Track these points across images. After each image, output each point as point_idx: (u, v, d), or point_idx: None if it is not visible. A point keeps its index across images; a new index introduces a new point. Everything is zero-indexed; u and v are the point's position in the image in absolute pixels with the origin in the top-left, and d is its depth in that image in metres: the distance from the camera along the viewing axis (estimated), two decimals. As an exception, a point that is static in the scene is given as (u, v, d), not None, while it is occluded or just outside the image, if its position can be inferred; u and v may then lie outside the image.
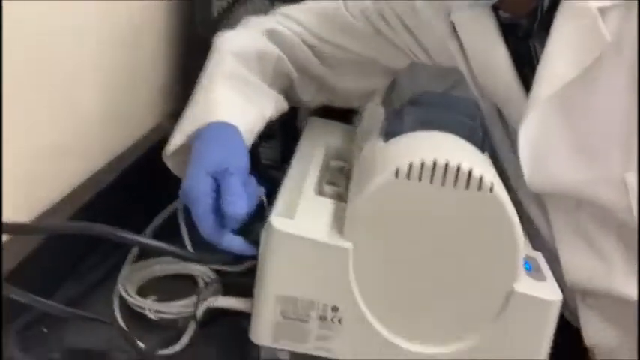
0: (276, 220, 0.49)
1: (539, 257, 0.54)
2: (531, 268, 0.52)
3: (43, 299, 0.47)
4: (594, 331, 0.59)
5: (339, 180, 0.64)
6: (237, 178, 0.52)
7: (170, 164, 0.62)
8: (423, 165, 0.46)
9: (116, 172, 0.74)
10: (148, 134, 0.87)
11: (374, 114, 0.67)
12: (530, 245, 0.56)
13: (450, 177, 0.46)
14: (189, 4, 0.91)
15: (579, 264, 0.57)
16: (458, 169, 0.46)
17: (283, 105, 0.71)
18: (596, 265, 0.56)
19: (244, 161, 0.56)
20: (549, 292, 0.49)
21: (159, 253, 0.66)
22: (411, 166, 0.46)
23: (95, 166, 0.74)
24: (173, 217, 0.75)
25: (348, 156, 0.69)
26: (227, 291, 0.62)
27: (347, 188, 0.61)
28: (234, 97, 0.62)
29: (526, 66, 0.57)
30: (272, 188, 0.74)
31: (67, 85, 0.66)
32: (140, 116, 0.86)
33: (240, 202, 0.50)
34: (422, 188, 0.46)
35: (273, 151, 0.91)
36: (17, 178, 0.57)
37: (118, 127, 0.79)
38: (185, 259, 0.63)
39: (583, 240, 0.56)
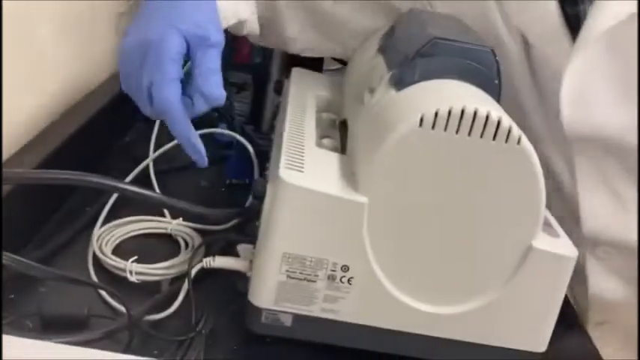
0: (286, 172, 0.45)
1: (548, 214, 0.53)
2: (544, 224, 0.50)
3: (20, 258, 0.41)
4: (600, 282, 0.59)
5: (332, 133, 0.60)
6: (218, 52, 0.43)
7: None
8: (450, 113, 0.43)
9: (82, 116, 0.67)
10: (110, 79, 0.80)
11: (367, 63, 0.62)
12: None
13: (478, 126, 0.43)
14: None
15: (600, 212, 0.56)
16: (487, 119, 0.43)
17: (254, 26, 0.64)
18: (617, 214, 0.56)
19: (222, 37, 0.46)
20: (566, 248, 0.48)
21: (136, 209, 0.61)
22: (436, 114, 0.43)
23: (58, 108, 0.66)
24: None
25: (338, 108, 0.65)
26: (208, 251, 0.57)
27: (341, 141, 0.57)
28: None
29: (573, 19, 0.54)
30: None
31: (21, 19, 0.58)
32: (102, 57, 0.78)
33: (220, 83, 0.42)
34: (447, 137, 0.43)
35: (244, 105, 0.86)
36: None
37: (79, 66, 0.71)
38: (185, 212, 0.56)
39: (607, 188, 0.56)
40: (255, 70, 0.85)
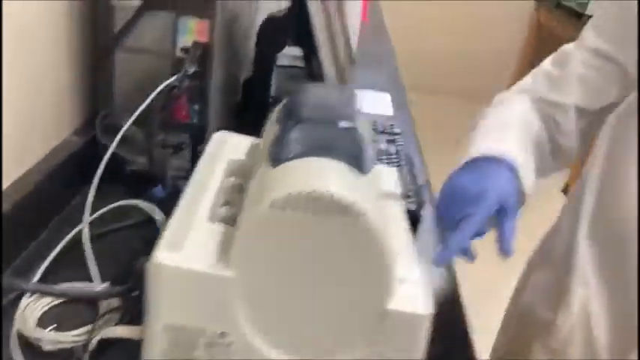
0: (160, 253, 0.50)
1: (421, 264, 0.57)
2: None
3: None
4: None
5: (235, 199, 0.65)
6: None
7: None
8: (298, 195, 0.48)
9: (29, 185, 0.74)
10: (55, 150, 0.86)
11: (270, 131, 0.68)
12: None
13: (323, 205, 0.48)
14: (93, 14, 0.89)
15: None
16: (332, 197, 0.48)
17: None
18: None
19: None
20: (420, 306, 0.52)
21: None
22: (286, 198, 0.48)
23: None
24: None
25: (248, 172, 0.71)
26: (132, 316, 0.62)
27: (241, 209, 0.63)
28: None
29: None
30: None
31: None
32: (44, 130, 0.85)
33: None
34: (298, 216, 0.48)
35: (183, 162, 0.91)
36: None
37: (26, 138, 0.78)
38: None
39: None
40: (193, 129, 0.91)
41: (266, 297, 0.51)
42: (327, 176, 0.52)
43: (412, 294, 0.53)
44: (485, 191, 0.63)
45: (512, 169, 0.67)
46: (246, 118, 0.95)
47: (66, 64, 0.87)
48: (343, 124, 0.56)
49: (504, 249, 0.61)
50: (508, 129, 0.73)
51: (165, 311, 0.51)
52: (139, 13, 0.86)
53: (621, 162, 0.71)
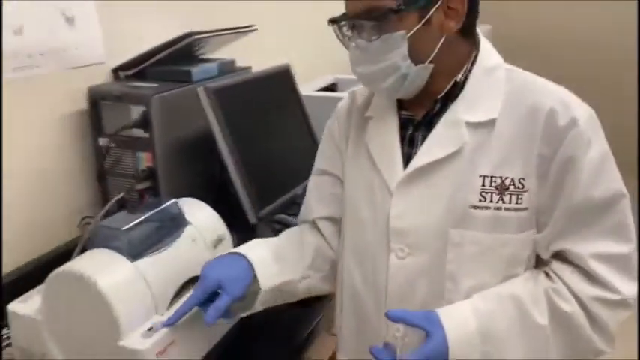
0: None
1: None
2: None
3: None
4: None
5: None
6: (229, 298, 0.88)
7: None
8: (67, 273, 0.83)
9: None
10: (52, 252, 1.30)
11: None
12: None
13: (75, 278, 0.82)
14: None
15: None
16: (79, 274, 0.82)
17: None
18: None
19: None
20: (144, 344, 0.82)
21: None
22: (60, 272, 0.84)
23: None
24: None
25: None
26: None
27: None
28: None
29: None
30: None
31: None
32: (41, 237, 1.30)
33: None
34: (68, 287, 0.83)
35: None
36: None
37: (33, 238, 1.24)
38: None
39: None
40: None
41: (61, 332, 0.86)
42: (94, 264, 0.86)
43: (145, 338, 0.83)
44: (206, 274, 0.89)
45: (248, 263, 0.92)
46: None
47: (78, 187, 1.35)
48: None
49: (206, 318, 0.85)
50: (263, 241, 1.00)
51: (16, 339, 0.89)
52: (115, 152, 1.31)
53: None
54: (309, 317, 1.13)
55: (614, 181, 0.82)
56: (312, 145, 1.52)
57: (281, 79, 1.55)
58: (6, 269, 1.15)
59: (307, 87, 1.86)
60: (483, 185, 0.82)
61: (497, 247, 0.82)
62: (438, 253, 0.84)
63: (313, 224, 1.03)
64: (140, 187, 1.27)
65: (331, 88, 1.96)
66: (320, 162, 1.03)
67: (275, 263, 0.95)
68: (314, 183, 1.04)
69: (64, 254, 1.01)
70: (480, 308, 0.81)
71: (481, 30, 0.90)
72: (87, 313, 0.83)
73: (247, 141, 1.31)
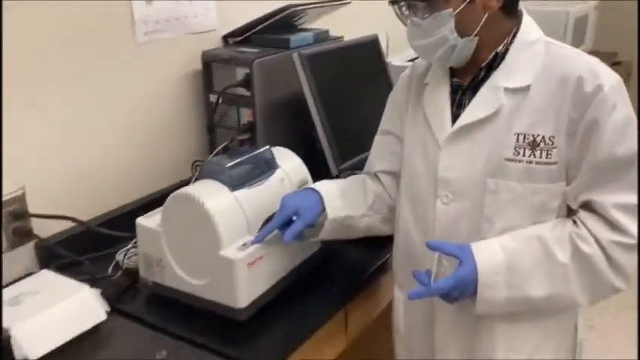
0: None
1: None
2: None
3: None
4: None
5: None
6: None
7: None
8: (183, 195, 1.05)
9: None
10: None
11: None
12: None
13: (189, 200, 1.04)
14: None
15: None
16: (192, 197, 1.04)
17: None
18: None
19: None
20: (238, 255, 1.02)
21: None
22: (176, 195, 1.06)
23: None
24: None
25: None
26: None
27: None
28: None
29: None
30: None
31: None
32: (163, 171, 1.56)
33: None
34: (183, 206, 1.06)
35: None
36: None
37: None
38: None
39: None
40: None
41: (174, 242, 1.09)
42: (201, 188, 1.08)
43: (240, 251, 1.04)
44: (285, 203, 1.09)
45: (319, 196, 1.11)
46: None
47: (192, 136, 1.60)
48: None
49: (284, 238, 1.05)
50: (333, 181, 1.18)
51: (141, 246, 1.13)
52: (222, 108, 1.53)
53: None
54: (380, 255, 1.31)
55: (635, 143, 0.92)
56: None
57: (369, 49, 1.70)
58: (134, 199, 1.43)
59: (397, 57, 2.00)
60: (517, 141, 0.95)
61: (528, 195, 0.95)
62: (477, 199, 0.98)
63: (375, 176, 1.20)
64: (241, 137, 1.49)
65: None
66: (384, 123, 1.20)
67: (341, 199, 1.13)
68: (378, 141, 1.21)
69: (180, 187, 1.24)
70: (508, 245, 0.95)
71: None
72: (196, 228, 1.05)
73: (334, 103, 1.49)
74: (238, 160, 1.13)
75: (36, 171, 1.25)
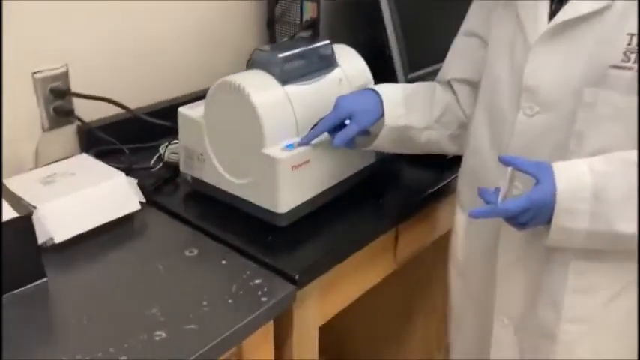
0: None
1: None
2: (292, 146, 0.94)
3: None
4: None
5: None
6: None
7: None
8: (228, 83, 0.95)
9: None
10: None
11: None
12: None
13: (233, 89, 0.94)
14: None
15: None
16: (237, 86, 0.93)
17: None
18: None
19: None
20: (281, 155, 0.92)
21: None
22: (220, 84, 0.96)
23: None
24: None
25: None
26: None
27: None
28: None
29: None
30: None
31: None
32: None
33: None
34: (227, 96, 0.95)
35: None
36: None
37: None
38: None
39: None
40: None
41: (218, 136, 0.99)
42: (247, 77, 0.97)
43: (285, 151, 0.93)
44: (339, 103, 0.96)
45: (379, 99, 0.96)
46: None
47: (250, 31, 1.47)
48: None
49: (334, 141, 0.93)
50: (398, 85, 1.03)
51: (183, 139, 1.05)
52: (284, 2, 1.39)
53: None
54: (442, 176, 1.18)
55: None
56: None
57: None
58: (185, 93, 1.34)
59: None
60: (629, 44, 0.76)
61: (632, 111, 0.78)
62: (568, 112, 0.81)
63: (449, 85, 1.04)
64: (302, 34, 1.36)
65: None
66: (468, 22, 1.02)
67: (403, 106, 0.99)
68: (458, 43, 1.04)
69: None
70: (598, 168, 0.78)
71: None
72: (239, 122, 0.95)
73: (409, 5, 1.32)
74: (293, 51, 1.01)
75: (82, 52, 1.17)
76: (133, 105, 1.24)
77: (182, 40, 1.35)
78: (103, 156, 1.15)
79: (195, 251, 0.94)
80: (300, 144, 0.96)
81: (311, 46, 1.04)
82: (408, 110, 0.99)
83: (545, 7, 0.84)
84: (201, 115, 1.01)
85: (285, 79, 0.98)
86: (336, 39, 1.34)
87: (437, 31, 1.39)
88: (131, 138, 1.21)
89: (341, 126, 0.96)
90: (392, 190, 1.13)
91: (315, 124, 0.98)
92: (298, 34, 1.34)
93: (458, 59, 1.03)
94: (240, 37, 1.46)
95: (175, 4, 1.30)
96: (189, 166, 1.06)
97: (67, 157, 1.14)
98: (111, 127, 1.20)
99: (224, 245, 0.95)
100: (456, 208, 1.05)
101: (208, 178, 1.04)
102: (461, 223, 1.03)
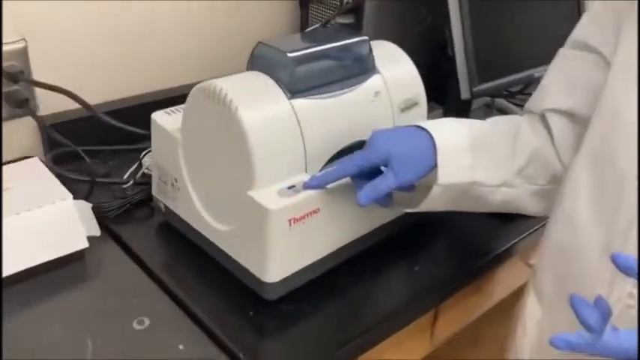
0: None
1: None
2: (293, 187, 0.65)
3: None
4: None
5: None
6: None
7: None
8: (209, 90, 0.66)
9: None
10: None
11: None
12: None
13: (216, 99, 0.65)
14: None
15: None
16: (222, 95, 0.64)
17: None
18: None
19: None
20: (272, 203, 0.63)
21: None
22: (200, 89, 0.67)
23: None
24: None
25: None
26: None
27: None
28: None
29: None
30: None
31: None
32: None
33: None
34: (209, 107, 0.67)
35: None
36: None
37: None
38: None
39: None
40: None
41: (195, 158, 0.71)
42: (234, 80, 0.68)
43: (282, 197, 0.64)
44: (375, 141, 0.65)
45: (433, 143, 0.66)
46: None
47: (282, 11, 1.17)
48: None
49: (359, 196, 0.64)
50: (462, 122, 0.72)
51: (155, 153, 0.77)
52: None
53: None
54: (509, 233, 0.86)
55: None
56: (573, 18, 1.13)
57: None
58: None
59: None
60: None
61: None
62: None
63: (542, 118, 0.72)
64: (341, 21, 1.05)
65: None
66: (581, 30, 0.69)
67: (469, 154, 0.68)
68: (563, 58, 0.71)
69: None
70: None
71: None
72: (223, 145, 0.66)
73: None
74: (311, 49, 0.71)
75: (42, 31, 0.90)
76: (109, 97, 0.98)
77: (180, 16, 1.06)
78: (63, 162, 0.89)
79: (147, 322, 0.66)
80: (307, 186, 0.66)
81: (339, 42, 0.73)
82: (475, 160, 0.68)
83: None
84: (179, 127, 0.73)
85: (295, 89, 0.68)
86: (383, 31, 1.02)
87: (518, 32, 1.06)
88: (106, 139, 0.94)
89: (372, 173, 0.66)
90: (431, 252, 0.82)
91: (333, 158, 0.69)
92: (334, 19, 1.04)
93: (560, 82, 0.70)
94: (274, 19, 1.16)
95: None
96: (163, 192, 0.79)
97: (24, 158, 0.89)
98: (77, 124, 0.92)
99: (188, 318, 0.67)
100: (529, 290, 0.73)
101: (183, 213, 0.76)
102: (534, 317, 0.71)
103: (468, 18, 0.97)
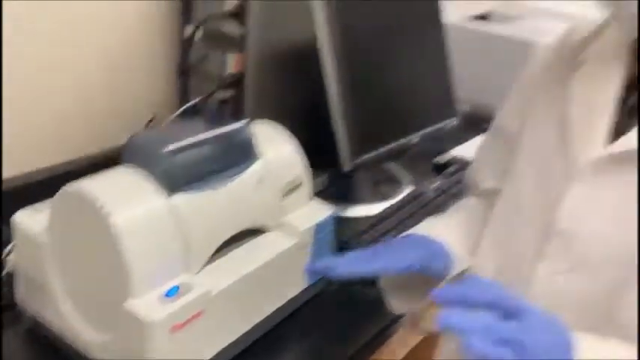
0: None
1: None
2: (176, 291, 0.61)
3: None
4: None
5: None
6: None
7: None
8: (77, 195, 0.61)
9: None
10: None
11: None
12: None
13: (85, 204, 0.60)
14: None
15: None
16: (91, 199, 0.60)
17: None
18: None
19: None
20: (154, 313, 0.59)
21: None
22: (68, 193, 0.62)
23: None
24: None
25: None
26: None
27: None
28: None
29: None
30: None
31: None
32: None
33: None
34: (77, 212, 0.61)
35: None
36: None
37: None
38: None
39: None
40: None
41: (66, 264, 0.65)
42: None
43: (162, 304, 0.60)
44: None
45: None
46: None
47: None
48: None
49: None
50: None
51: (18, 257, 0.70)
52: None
53: None
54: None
55: None
56: (444, 86, 1.20)
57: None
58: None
59: (457, 12, 1.49)
60: None
61: None
62: (615, 280, 0.54)
63: (484, 195, 0.77)
64: (222, 95, 1.04)
65: (483, 16, 1.58)
66: (504, 116, 0.74)
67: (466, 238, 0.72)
68: (490, 141, 0.78)
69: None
70: None
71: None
72: (95, 252, 0.61)
73: (361, 64, 1.01)
74: (188, 140, 0.68)
75: None
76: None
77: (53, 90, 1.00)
78: None
79: None
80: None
81: (218, 132, 0.71)
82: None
83: (605, 119, 0.57)
84: (45, 228, 0.67)
85: (173, 185, 0.64)
86: (265, 102, 1.03)
87: (398, 99, 1.11)
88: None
89: None
90: (338, 323, 0.81)
91: (219, 249, 0.66)
92: (216, 93, 1.02)
93: (488, 164, 0.76)
94: (147, 89, 1.12)
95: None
96: (29, 299, 0.71)
97: None
98: None
99: None
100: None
101: (54, 322, 0.68)
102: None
103: (348, 90, 0.99)
